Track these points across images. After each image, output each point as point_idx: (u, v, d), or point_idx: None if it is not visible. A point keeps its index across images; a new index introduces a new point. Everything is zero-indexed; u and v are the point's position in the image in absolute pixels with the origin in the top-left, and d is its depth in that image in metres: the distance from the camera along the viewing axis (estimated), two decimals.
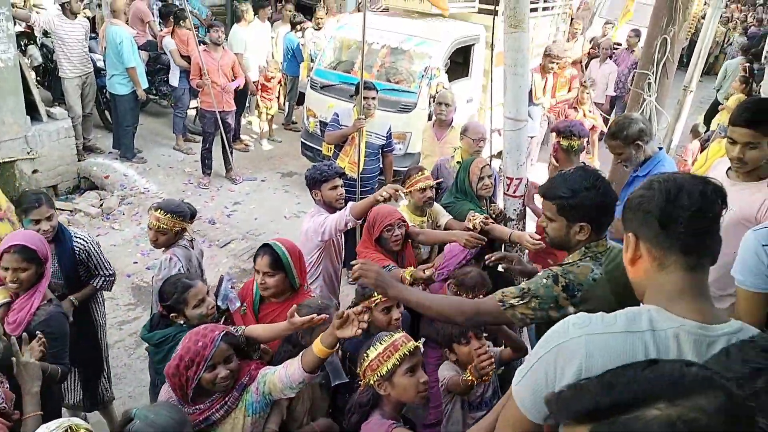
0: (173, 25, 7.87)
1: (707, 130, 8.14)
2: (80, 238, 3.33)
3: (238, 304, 2.92)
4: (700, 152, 6.21)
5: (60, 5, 7.08)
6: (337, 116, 5.50)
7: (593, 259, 2.09)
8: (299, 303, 2.62)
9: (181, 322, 2.81)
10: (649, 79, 3.49)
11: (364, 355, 2.16)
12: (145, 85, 7.48)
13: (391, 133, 5.48)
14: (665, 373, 0.83)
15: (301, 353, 2.28)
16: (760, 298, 2.12)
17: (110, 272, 3.48)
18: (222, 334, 2.26)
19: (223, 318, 2.99)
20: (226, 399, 2.24)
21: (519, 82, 3.23)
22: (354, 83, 5.82)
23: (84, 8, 9.54)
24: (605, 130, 6.09)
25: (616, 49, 10.94)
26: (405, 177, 3.94)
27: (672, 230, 1.37)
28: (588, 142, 5.95)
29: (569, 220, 2.11)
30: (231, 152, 7.47)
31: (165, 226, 3.27)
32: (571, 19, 9.67)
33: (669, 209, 1.37)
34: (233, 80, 7.23)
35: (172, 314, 2.81)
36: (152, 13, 8.99)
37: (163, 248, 3.41)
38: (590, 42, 10.72)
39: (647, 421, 0.75)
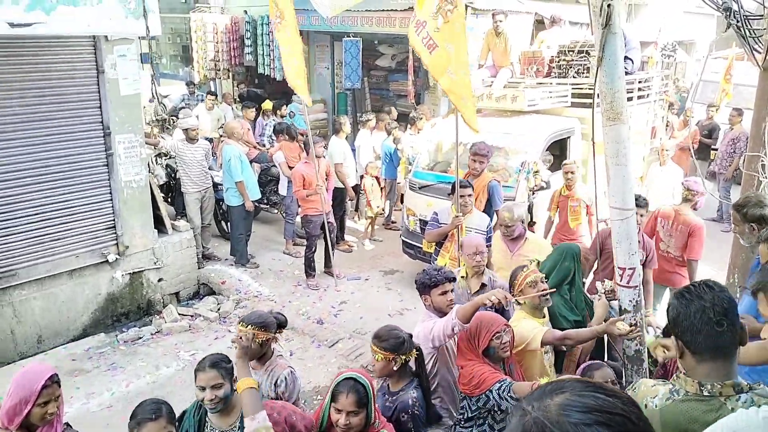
0: (282, 140, 8.56)
1: None
2: None
3: None
4: None
5: (183, 131, 7.98)
6: (436, 215, 5.65)
7: (669, 389, 1.87)
8: None
9: None
10: (762, 160, 3.38)
11: None
12: (256, 195, 8.08)
13: (491, 228, 5.51)
14: (537, 388, 1.15)
15: None
16: None
17: None
18: None
19: None
20: None
21: (622, 172, 3.21)
22: (450, 182, 5.99)
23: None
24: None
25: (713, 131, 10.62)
26: (511, 279, 3.81)
27: None
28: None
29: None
30: (333, 249, 7.80)
31: (245, 337, 3.16)
32: (669, 105, 9.56)
33: None
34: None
35: None
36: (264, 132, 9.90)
37: (254, 360, 3.32)
38: (696, 125, 10.53)
39: (512, 424, 1.08)
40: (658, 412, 1.83)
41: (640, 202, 5.02)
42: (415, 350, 3.11)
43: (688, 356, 1.87)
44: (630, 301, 3.34)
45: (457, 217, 5.26)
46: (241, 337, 3.03)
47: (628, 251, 3.26)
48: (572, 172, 6.31)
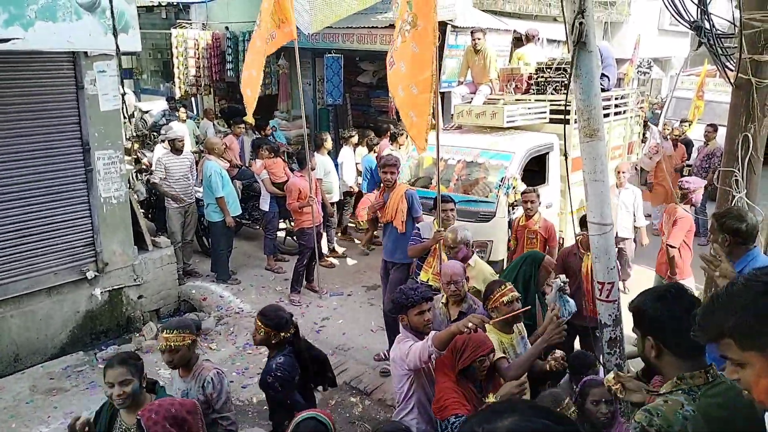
0: (264, 157, 8.54)
1: None
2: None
3: None
4: None
5: (170, 141, 7.95)
6: (419, 230, 5.67)
7: (685, 393, 1.87)
8: None
9: None
10: (736, 176, 3.47)
11: None
12: (237, 211, 8.04)
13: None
14: (487, 408, 1.18)
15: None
16: None
17: None
18: None
19: None
20: None
21: (600, 188, 3.28)
22: (432, 197, 6.03)
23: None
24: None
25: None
26: (487, 293, 3.83)
27: None
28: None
29: (641, 332, 2.03)
30: (316, 263, 7.79)
31: (174, 344, 3.29)
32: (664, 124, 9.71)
33: None
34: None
35: None
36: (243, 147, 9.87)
37: (180, 368, 3.43)
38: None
39: None
40: (699, 416, 1.82)
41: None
42: (293, 328, 3.66)
43: (668, 356, 1.95)
44: (609, 315, 3.38)
45: (439, 231, 5.28)
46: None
47: (607, 265, 3.31)
48: (532, 202, 5.93)
